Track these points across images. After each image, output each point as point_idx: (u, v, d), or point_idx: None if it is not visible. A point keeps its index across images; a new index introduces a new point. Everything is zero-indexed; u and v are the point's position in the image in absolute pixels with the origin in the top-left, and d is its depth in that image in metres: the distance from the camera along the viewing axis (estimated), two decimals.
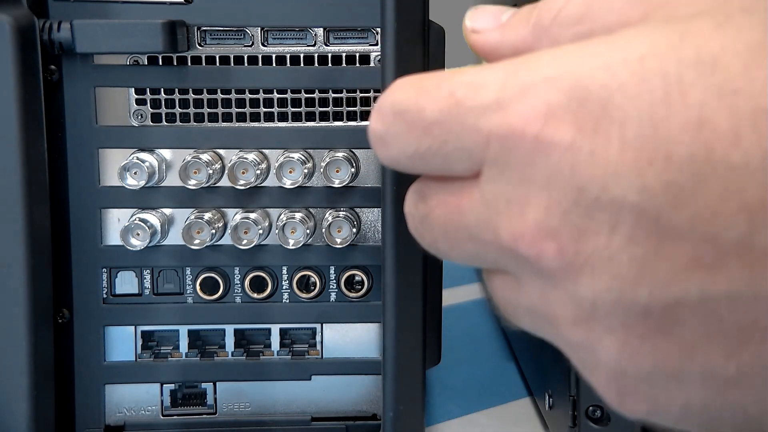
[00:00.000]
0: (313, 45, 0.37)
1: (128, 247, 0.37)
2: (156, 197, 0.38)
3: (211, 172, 0.36)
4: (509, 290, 0.24)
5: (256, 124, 0.38)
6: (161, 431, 0.39)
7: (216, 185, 0.37)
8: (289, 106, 0.38)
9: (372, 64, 0.37)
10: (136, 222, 0.37)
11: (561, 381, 0.38)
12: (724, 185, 0.18)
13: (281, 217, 0.37)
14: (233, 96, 0.37)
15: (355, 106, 0.38)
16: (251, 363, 0.39)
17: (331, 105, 0.38)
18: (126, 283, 0.39)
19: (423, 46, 0.30)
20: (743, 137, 0.18)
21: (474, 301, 0.62)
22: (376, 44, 0.37)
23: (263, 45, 0.37)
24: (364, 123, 0.38)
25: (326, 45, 0.37)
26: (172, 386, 0.39)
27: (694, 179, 0.19)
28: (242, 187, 0.37)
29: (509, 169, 0.21)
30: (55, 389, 0.37)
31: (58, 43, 0.35)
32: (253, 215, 0.37)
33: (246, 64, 0.37)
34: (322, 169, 0.37)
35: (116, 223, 0.38)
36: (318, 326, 0.39)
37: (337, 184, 0.37)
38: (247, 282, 0.39)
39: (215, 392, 0.40)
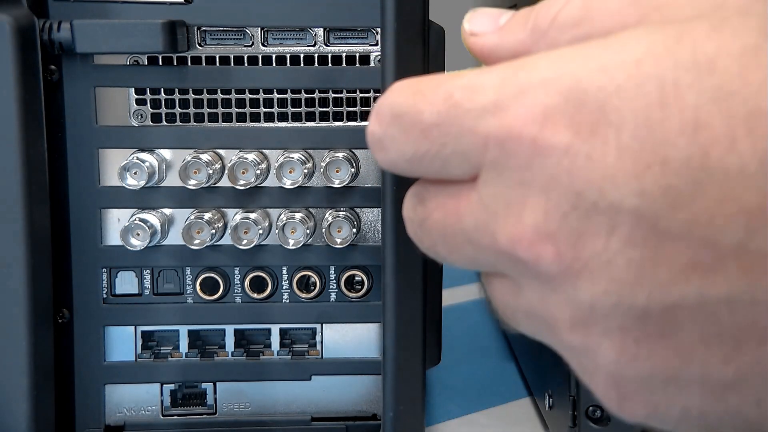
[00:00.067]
0: (313, 45, 0.37)
1: (128, 247, 0.37)
2: (156, 197, 0.38)
3: (211, 172, 0.36)
4: (508, 294, 0.24)
5: (256, 124, 0.38)
6: (161, 431, 0.39)
7: (216, 185, 0.37)
8: (289, 106, 0.38)
9: (372, 65, 0.37)
10: (136, 222, 0.37)
11: (561, 381, 0.38)
12: (720, 189, 0.18)
13: (281, 217, 0.37)
14: (233, 96, 0.37)
15: (355, 106, 0.38)
16: (251, 363, 0.39)
17: (331, 105, 0.38)
18: (126, 283, 0.39)
19: (423, 47, 0.30)
20: (739, 141, 0.18)
21: (474, 301, 0.62)
22: (376, 44, 0.37)
23: (263, 45, 0.37)
24: (364, 123, 0.37)
25: (326, 45, 0.37)
26: (172, 386, 0.39)
27: (691, 183, 0.19)
28: (242, 187, 0.37)
29: (507, 172, 0.21)
30: (55, 389, 0.37)
31: (58, 43, 0.35)
32: (253, 215, 0.37)
33: (246, 64, 0.37)
34: (322, 169, 0.37)
35: (116, 223, 0.38)
36: (318, 326, 0.39)
37: (337, 184, 0.37)
38: (247, 282, 0.39)
39: (215, 392, 0.40)
